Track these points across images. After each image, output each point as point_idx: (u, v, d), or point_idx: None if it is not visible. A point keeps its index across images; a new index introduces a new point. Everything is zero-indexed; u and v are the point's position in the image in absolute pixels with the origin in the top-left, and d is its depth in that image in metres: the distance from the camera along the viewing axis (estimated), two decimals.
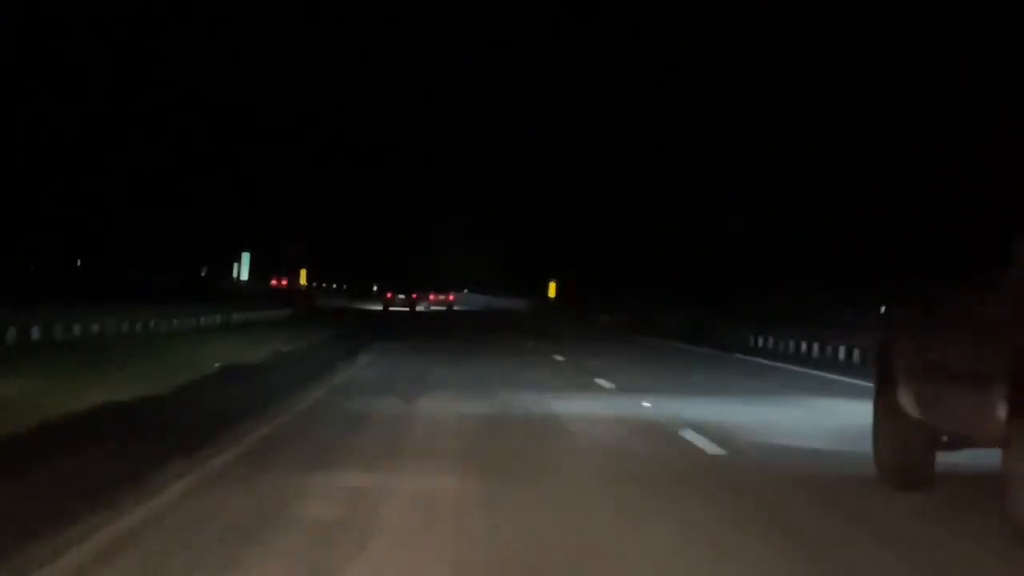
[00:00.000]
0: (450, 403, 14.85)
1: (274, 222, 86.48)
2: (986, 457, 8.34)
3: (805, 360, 27.21)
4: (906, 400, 9.31)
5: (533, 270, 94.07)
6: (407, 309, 68.70)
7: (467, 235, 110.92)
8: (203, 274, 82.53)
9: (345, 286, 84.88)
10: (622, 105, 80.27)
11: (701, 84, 64.32)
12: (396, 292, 73.28)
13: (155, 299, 31.59)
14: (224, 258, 77.73)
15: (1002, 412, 7.60)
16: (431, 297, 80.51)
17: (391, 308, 68.37)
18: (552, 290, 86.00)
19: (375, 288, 79.50)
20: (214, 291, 54.79)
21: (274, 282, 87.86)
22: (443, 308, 79.57)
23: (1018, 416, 7.41)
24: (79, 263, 72.09)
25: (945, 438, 9.29)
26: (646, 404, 15.36)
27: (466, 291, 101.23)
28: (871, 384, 10.24)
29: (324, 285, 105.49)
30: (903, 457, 9.47)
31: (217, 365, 16.54)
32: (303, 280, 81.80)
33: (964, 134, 35.80)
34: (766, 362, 26.64)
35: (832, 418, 14.42)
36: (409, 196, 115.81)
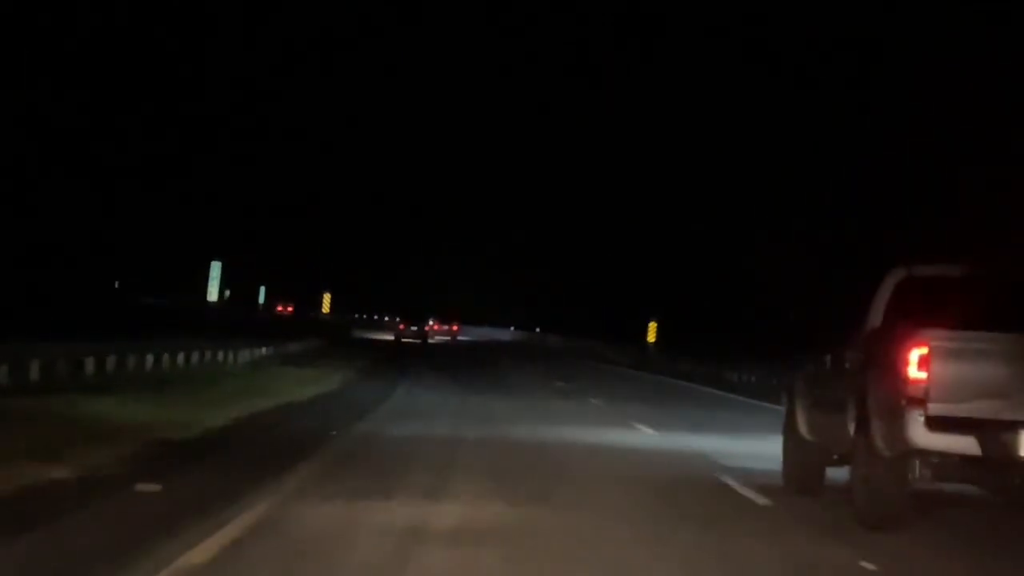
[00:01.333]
0: None
1: (290, 249, 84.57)
2: None
3: None
4: (801, 426, 12.50)
5: (615, 305, 78.20)
6: (419, 340, 70.51)
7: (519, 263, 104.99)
8: (226, 296, 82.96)
9: (398, 318, 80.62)
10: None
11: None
12: (409, 324, 75.03)
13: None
14: (248, 283, 77.30)
15: (851, 431, 10.79)
16: (435, 327, 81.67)
17: (403, 339, 70.23)
18: (652, 333, 64.09)
19: (431, 321, 77.83)
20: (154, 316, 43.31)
21: (279, 308, 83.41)
22: (448, 338, 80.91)
23: (860, 434, 10.59)
24: (117, 285, 73.17)
25: (836, 456, 12.42)
26: None
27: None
28: None
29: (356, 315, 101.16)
30: (801, 469, 12.62)
31: None
32: (326, 307, 69.91)
33: None
34: None
35: None
36: (431, 226, 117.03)
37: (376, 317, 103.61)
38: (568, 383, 33.89)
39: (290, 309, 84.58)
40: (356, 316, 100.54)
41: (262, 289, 78.83)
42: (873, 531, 10.25)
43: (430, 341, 72.37)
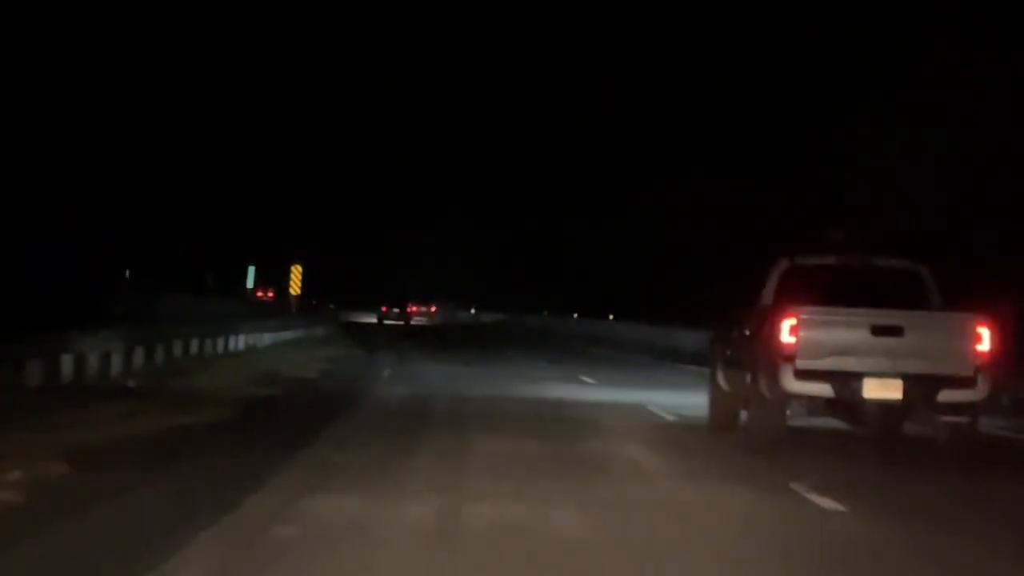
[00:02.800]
0: None
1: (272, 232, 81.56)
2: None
3: None
4: (719, 379, 16.18)
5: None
6: (401, 322, 73.96)
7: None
8: (209, 282, 75.23)
9: (383, 306, 79.04)
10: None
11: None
12: (391, 306, 78.64)
13: None
14: (234, 265, 76.07)
15: (748, 381, 14.46)
16: (414, 309, 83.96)
17: (385, 321, 73.68)
18: None
19: (410, 304, 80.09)
20: None
21: (259, 294, 78.73)
22: (425, 320, 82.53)
23: (752, 383, 14.26)
24: (128, 275, 71.44)
25: (744, 402, 16.06)
26: None
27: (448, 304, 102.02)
28: None
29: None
30: (721, 413, 16.29)
31: None
32: (295, 285, 51.69)
33: None
34: None
35: None
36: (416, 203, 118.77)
37: (374, 302, 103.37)
38: None
39: (271, 295, 79.15)
40: (331, 301, 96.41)
41: (251, 270, 73.78)
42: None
43: (412, 323, 75.74)
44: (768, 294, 14.75)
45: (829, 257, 14.96)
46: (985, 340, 13.54)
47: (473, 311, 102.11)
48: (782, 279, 14.71)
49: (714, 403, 16.56)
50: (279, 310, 52.00)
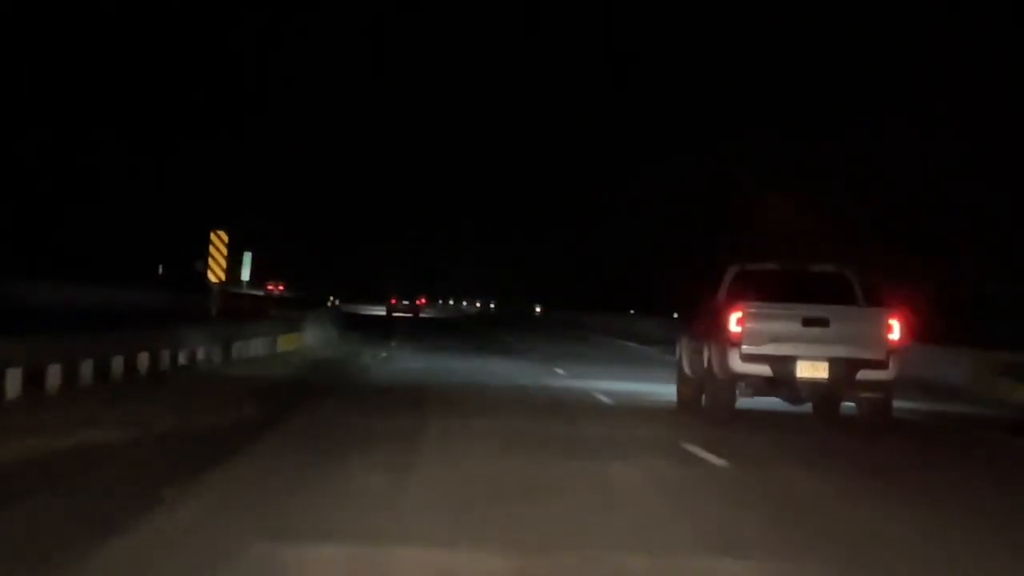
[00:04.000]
0: None
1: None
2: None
3: None
4: (684, 365, 19.23)
5: None
6: (410, 315, 77.54)
7: None
8: (160, 272, 69.41)
9: (406, 302, 79.83)
10: None
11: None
12: (400, 299, 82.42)
13: None
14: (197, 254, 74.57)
15: (705, 365, 17.51)
16: (420, 301, 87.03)
17: (394, 313, 77.07)
18: None
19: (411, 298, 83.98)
20: None
21: (270, 287, 77.42)
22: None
23: (708, 366, 17.31)
24: (160, 270, 66.47)
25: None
26: None
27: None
28: None
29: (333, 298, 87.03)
30: (686, 394, 19.31)
31: None
32: (217, 268, 33.43)
33: None
34: None
35: None
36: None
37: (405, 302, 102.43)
38: None
39: (281, 287, 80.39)
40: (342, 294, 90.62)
41: (247, 257, 69.86)
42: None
43: (421, 315, 79.46)
44: (722, 293, 17.81)
45: (772, 263, 18.03)
46: (896, 330, 16.61)
47: (539, 308, 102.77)
48: (733, 281, 17.77)
49: (680, 385, 19.60)
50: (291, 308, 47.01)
